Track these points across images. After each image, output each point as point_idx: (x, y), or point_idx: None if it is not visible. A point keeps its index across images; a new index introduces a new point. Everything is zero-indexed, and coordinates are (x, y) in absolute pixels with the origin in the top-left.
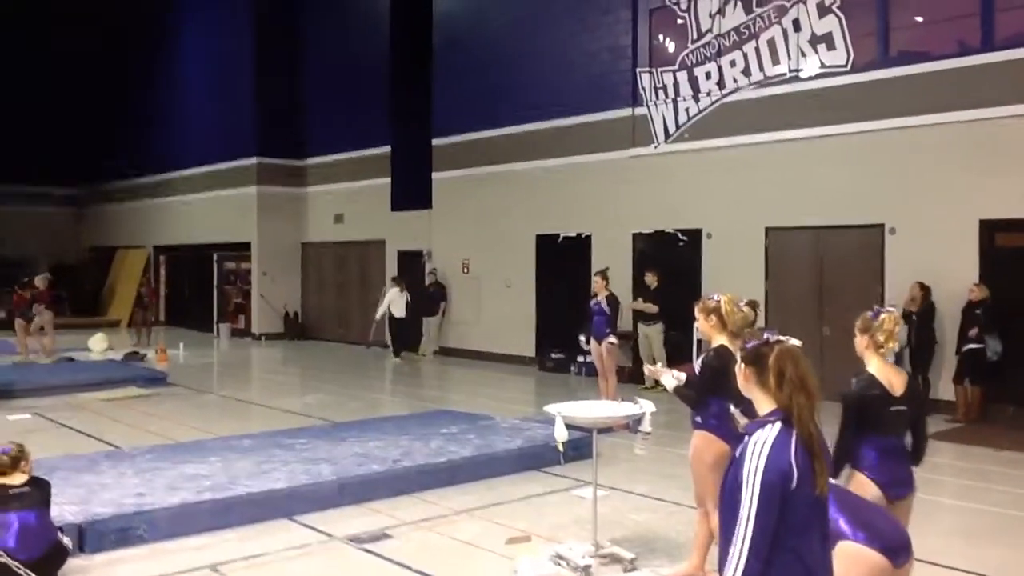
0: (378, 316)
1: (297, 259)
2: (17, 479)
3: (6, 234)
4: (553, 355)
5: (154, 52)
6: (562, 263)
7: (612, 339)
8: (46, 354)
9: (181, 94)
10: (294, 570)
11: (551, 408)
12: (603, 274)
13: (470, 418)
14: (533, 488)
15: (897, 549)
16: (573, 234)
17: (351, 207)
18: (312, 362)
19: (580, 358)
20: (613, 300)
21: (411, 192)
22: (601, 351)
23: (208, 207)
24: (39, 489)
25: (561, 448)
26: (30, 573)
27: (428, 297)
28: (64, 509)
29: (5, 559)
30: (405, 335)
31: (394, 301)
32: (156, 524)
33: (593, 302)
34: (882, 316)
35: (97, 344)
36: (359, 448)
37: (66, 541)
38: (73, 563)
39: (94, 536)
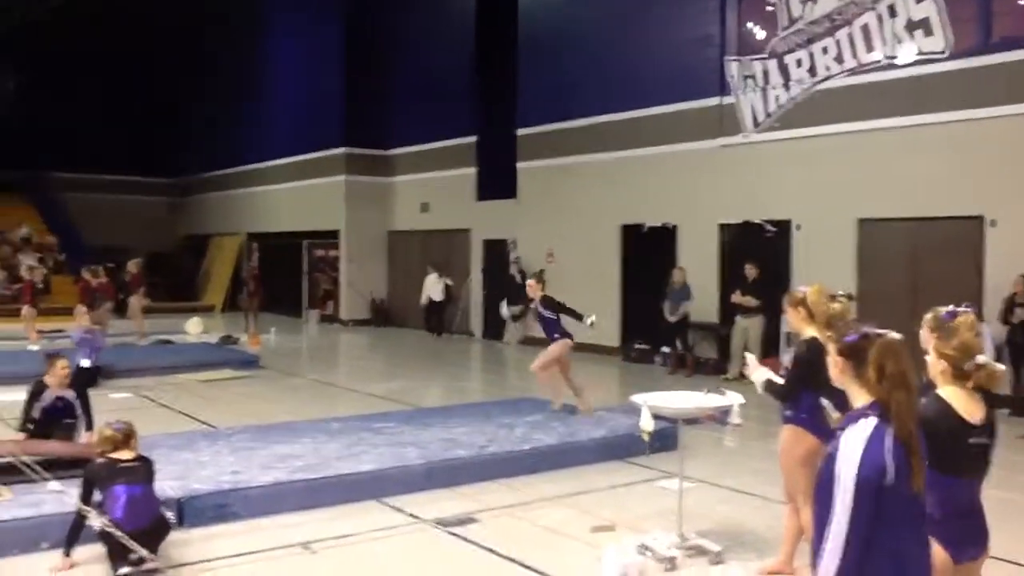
0: (423, 301)
1: (383, 247)
2: (126, 455)
3: (106, 223)
4: (637, 345)
5: (247, 46)
6: (647, 253)
7: (567, 340)
8: (140, 336)
9: (273, 86)
10: (383, 550)
11: (637, 398)
12: (538, 276)
13: None
14: (617, 478)
15: None
16: (658, 224)
17: (437, 196)
18: (397, 348)
19: (665, 349)
20: (550, 302)
21: (496, 182)
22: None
23: (298, 196)
24: (145, 465)
25: (647, 438)
26: (135, 544)
27: (513, 286)
28: (164, 484)
29: (112, 529)
30: (441, 317)
31: (432, 286)
32: (250, 501)
33: (532, 305)
34: (958, 319)
35: (193, 328)
36: (445, 433)
37: (169, 515)
38: (172, 536)
39: (192, 511)
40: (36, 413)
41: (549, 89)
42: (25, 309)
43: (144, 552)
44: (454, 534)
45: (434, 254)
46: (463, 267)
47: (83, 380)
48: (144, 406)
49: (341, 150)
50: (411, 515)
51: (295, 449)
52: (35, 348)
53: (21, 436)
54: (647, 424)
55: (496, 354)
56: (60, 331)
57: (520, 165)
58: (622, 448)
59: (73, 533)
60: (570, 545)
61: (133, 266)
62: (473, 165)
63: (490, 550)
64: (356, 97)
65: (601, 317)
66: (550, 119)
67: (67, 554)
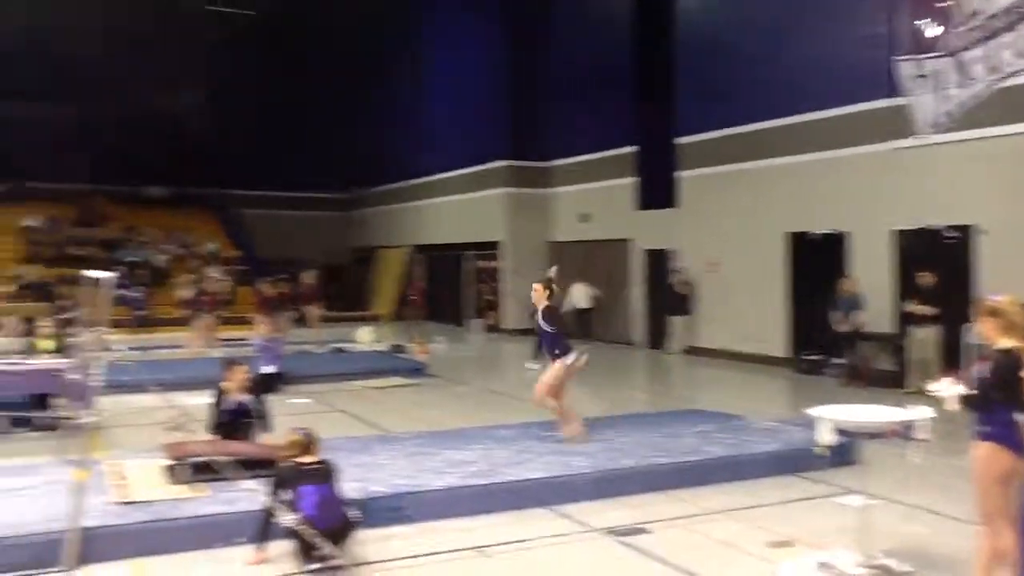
0: (568, 310)
1: (544, 258)
2: (309, 458)
3: (283, 237)
4: (807, 356)
5: (414, 63)
6: (815, 261)
7: (568, 359)
8: (317, 345)
9: (437, 102)
10: (556, 557)
11: (815, 411)
12: (545, 283)
13: (723, 418)
14: (791, 492)
15: None
16: (826, 231)
17: (597, 207)
18: None
19: (838, 360)
20: (552, 313)
21: (657, 191)
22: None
23: (461, 208)
24: (327, 467)
25: (824, 453)
26: (322, 541)
27: (674, 296)
28: (346, 485)
29: (303, 527)
30: (587, 325)
31: (579, 295)
32: (425, 505)
33: (535, 314)
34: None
35: (364, 336)
36: (611, 443)
37: (355, 513)
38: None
39: (371, 513)
40: (221, 416)
41: (709, 97)
42: (203, 319)
43: (331, 549)
44: (626, 544)
45: (594, 264)
46: (623, 277)
47: (265, 385)
48: (322, 410)
49: (502, 163)
50: (581, 523)
51: (466, 455)
52: (189, 355)
53: (213, 438)
54: (825, 438)
55: (659, 364)
56: (242, 340)
57: (681, 174)
58: (795, 462)
59: (263, 528)
60: (745, 560)
61: (308, 278)
62: (633, 175)
63: (664, 561)
64: (517, 110)
65: (767, 327)
66: (711, 127)
67: (260, 548)
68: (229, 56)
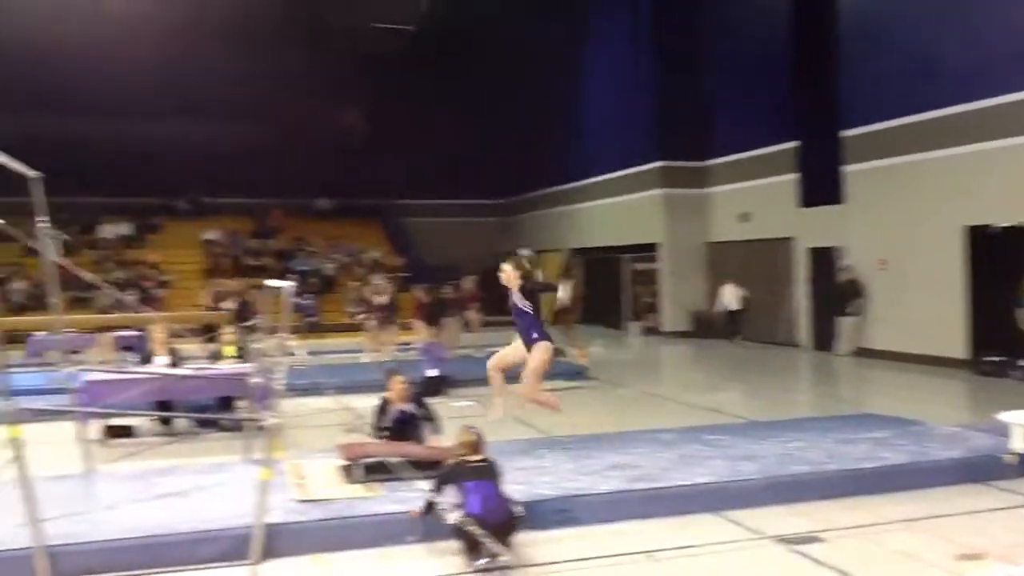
0: (715, 309)
1: (702, 259)
2: (476, 456)
3: (441, 243)
4: (990, 358)
5: (563, 68)
6: (998, 256)
7: (546, 343)
8: (475, 349)
9: (589, 105)
10: (727, 564)
11: (1007, 416)
12: (516, 262)
13: (899, 423)
14: (979, 502)
15: None
16: (1009, 224)
17: (757, 205)
18: (721, 359)
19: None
20: (530, 292)
21: (821, 187)
22: (531, 356)
23: (617, 211)
24: (491, 466)
25: (1014, 461)
26: (489, 538)
27: (841, 295)
28: (510, 488)
29: (469, 523)
30: (737, 325)
31: (729, 296)
32: (591, 508)
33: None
34: None
35: None
36: (780, 448)
37: (518, 509)
38: (521, 536)
39: (538, 515)
40: (386, 423)
41: (876, 86)
42: (370, 324)
43: (498, 546)
44: (798, 552)
45: (755, 264)
46: (785, 277)
47: (429, 388)
48: (484, 413)
49: (657, 164)
50: (752, 530)
51: (630, 459)
52: (366, 360)
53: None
54: (1018, 444)
55: (826, 365)
56: (406, 344)
57: (847, 168)
58: (982, 470)
59: (425, 513)
60: (930, 573)
61: (469, 283)
62: (795, 171)
63: (839, 571)
64: (669, 110)
65: (943, 327)
66: (879, 117)
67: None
68: (390, 70)
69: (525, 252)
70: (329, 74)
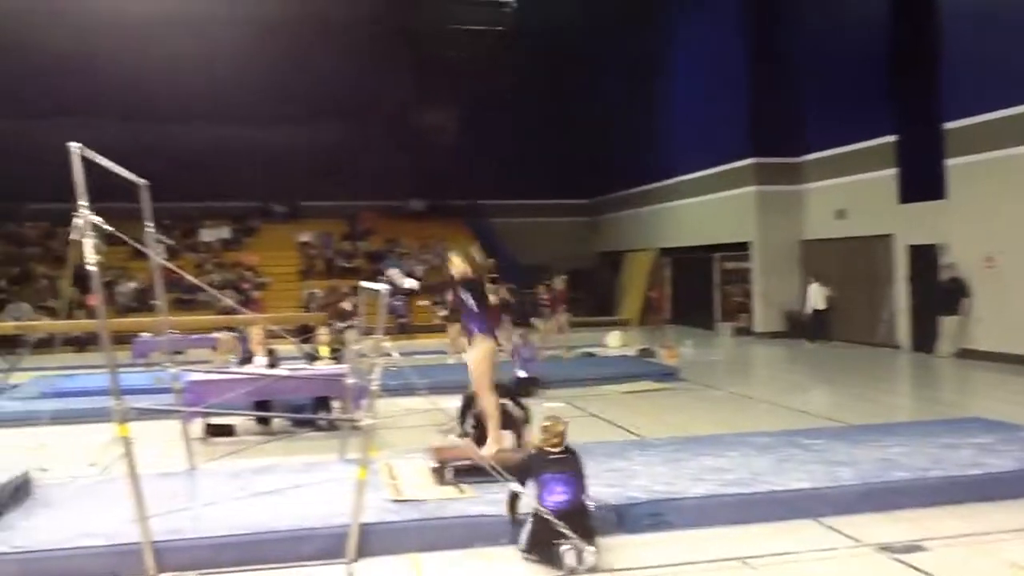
0: (806, 310)
1: (796, 257)
2: (557, 448)
3: (528, 243)
4: None
5: (652, 64)
6: None
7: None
8: (566, 350)
9: (678, 102)
10: (826, 572)
11: None
12: (467, 254)
13: (1005, 428)
14: None
15: None
16: None
17: (853, 201)
18: (817, 361)
19: None
20: (472, 284)
21: (921, 182)
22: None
23: (707, 209)
24: (573, 456)
25: None
26: (566, 528)
27: (944, 294)
28: (602, 491)
29: (547, 514)
30: (824, 326)
31: (815, 295)
32: (684, 512)
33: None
34: None
35: (613, 341)
36: (879, 453)
37: (591, 503)
38: (612, 540)
39: (630, 518)
40: (472, 418)
41: (980, 73)
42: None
43: (579, 540)
44: (901, 561)
45: (851, 262)
46: (884, 275)
47: (518, 389)
48: (574, 415)
49: (749, 161)
50: (851, 537)
51: (723, 462)
52: (452, 361)
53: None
54: None
55: (927, 367)
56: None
57: (949, 162)
58: None
59: (512, 512)
60: None
61: (559, 283)
62: (894, 166)
63: None
64: (762, 105)
65: None
66: (985, 108)
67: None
68: (479, 71)
69: (478, 250)
70: (419, 76)
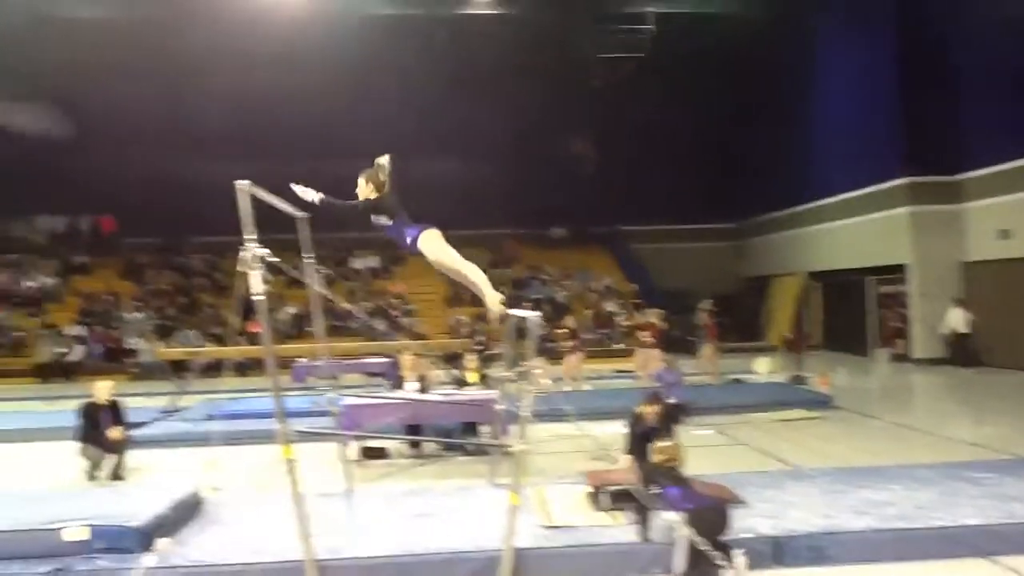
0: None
1: (956, 280)
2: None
3: (671, 269)
4: None
5: (796, 85)
6: None
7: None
8: (713, 377)
9: (824, 120)
10: None
11: None
12: (371, 174)
13: None
14: None
15: None
16: None
17: (1020, 221)
18: (982, 390)
19: None
20: (380, 205)
21: None
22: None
23: (859, 231)
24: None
25: None
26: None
27: None
28: (756, 522)
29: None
30: (967, 350)
31: (955, 318)
32: (845, 546)
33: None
34: None
35: (762, 367)
36: None
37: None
38: (768, 573)
39: (787, 551)
40: (635, 441)
41: None
42: (576, 356)
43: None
44: None
45: (1018, 285)
46: None
47: (669, 416)
48: (724, 443)
49: (903, 180)
50: None
51: (885, 495)
52: (568, 389)
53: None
54: None
55: None
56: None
57: None
58: None
59: (644, 524)
60: None
61: (704, 308)
62: None
63: None
64: (916, 121)
65: None
66: None
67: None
68: (617, 97)
69: (383, 161)
70: (558, 104)
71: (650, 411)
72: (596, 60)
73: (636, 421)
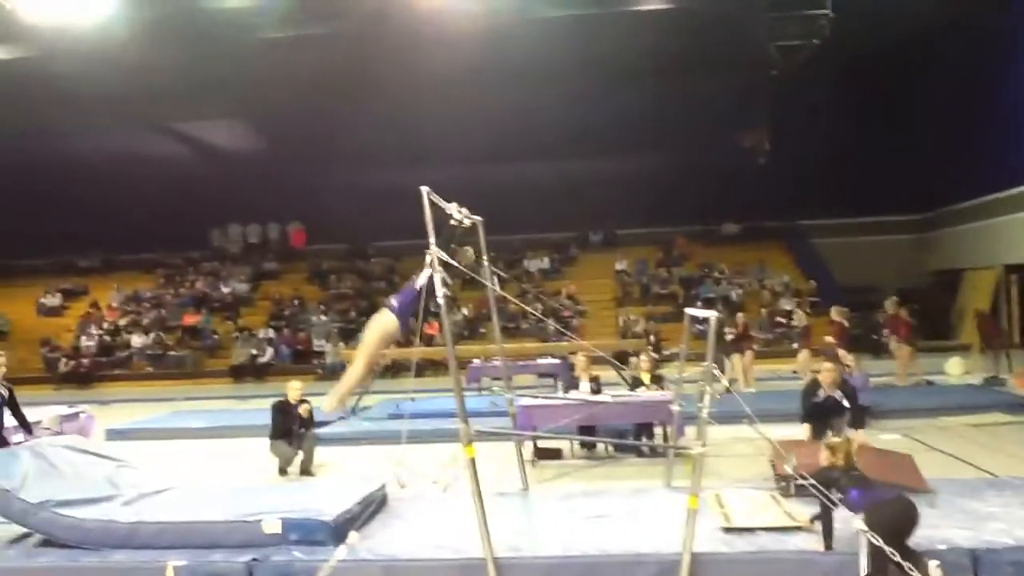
0: None
1: None
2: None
3: (853, 264)
4: None
5: (984, 58)
6: None
7: None
8: (900, 379)
9: (1021, 97)
10: None
11: None
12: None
13: None
14: None
15: None
16: None
17: None
18: None
19: None
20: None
21: None
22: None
23: None
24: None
25: None
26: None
27: None
28: (953, 533)
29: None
30: None
31: None
32: None
33: None
34: None
35: (954, 368)
36: None
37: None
38: None
39: (988, 565)
40: (811, 409)
41: None
42: (748, 355)
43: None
44: None
45: None
46: None
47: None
48: (913, 448)
49: None
50: None
51: None
52: (751, 391)
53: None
54: None
55: None
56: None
57: None
58: None
59: (827, 529)
60: None
61: (890, 306)
62: None
63: None
64: None
65: None
66: None
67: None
68: (791, 87)
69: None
70: (730, 95)
71: (825, 376)
72: (770, 48)
73: (811, 389)
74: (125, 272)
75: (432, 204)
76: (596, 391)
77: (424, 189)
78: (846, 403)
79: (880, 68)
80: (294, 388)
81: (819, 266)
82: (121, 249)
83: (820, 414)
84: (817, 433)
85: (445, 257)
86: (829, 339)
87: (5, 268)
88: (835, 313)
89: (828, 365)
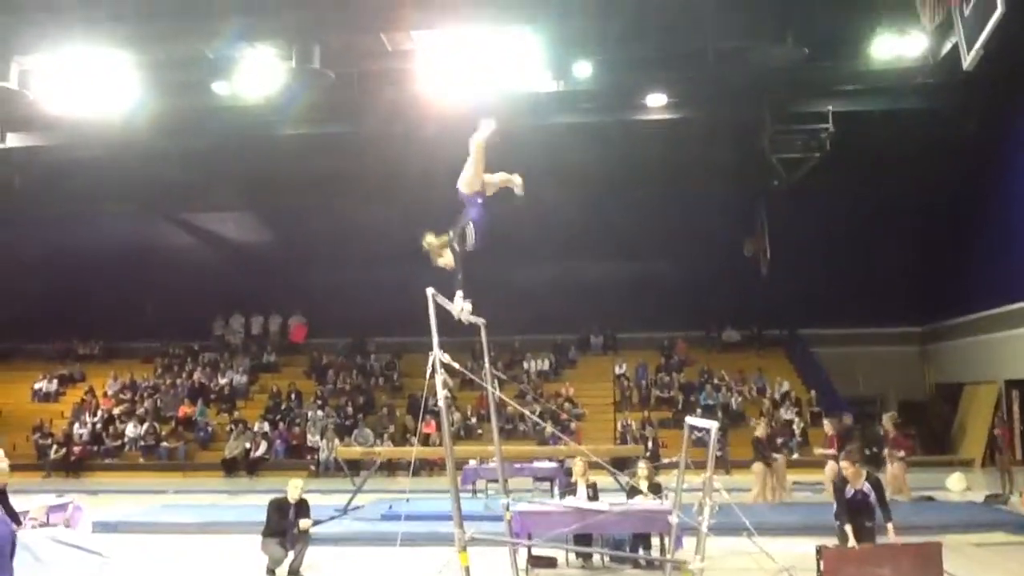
0: None
1: None
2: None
3: (853, 374)
4: None
5: (982, 174)
6: None
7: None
8: (902, 494)
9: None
10: None
11: None
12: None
13: None
14: None
15: None
16: None
17: None
18: None
19: None
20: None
21: None
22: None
23: None
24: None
25: None
26: None
27: None
28: None
29: None
30: None
31: None
32: None
33: None
34: None
35: (955, 484)
36: None
37: None
38: None
39: None
40: (843, 503)
41: None
42: (761, 464)
43: None
44: None
45: None
46: None
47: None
48: None
49: None
50: None
51: None
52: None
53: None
54: None
55: None
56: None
57: None
58: None
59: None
60: None
61: (888, 421)
62: None
63: None
64: None
65: None
66: None
67: None
68: (789, 197)
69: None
70: (732, 206)
71: (851, 472)
72: (773, 160)
73: (840, 485)
74: (125, 360)
75: (436, 304)
76: (593, 497)
77: (430, 291)
78: (873, 497)
79: (879, 180)
80: (295, 486)
81: (819, 376)
82: (123, 337)
83: (852, 511)
84: (857, 533)
85: (447, 359)
86: (820, 451)
87: (4, 352)
88: (828, 426)
89: (846, 463)
